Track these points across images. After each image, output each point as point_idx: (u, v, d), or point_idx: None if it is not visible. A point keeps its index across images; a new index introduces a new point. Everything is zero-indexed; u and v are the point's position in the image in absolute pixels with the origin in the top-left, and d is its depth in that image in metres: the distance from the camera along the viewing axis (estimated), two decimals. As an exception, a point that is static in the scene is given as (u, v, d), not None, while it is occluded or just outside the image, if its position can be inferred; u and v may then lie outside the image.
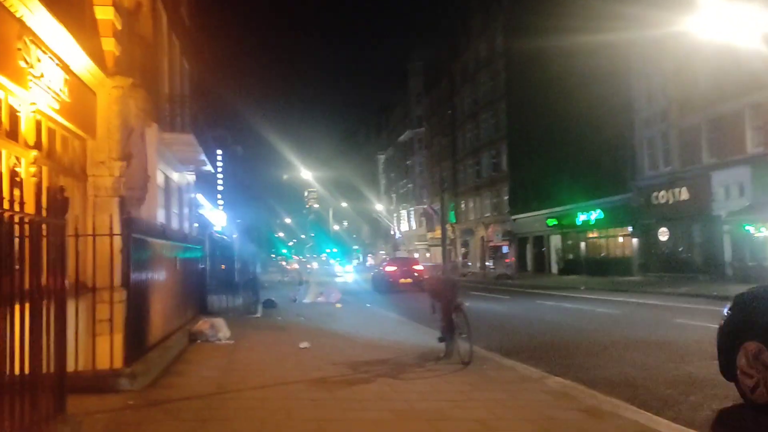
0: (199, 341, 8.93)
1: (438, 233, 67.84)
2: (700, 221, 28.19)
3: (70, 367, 5.83)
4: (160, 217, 13.44)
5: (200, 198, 22.18)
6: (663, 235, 30.56)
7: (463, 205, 60.89)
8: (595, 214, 35.89)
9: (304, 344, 8.82)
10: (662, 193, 30.03)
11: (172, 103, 14.41)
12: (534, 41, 40.84)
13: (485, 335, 9.94)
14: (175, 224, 15.38)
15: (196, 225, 19.29)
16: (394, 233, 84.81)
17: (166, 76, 14.74)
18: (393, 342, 9.76)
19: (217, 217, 26.47)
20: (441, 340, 8.11)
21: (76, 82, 9.40)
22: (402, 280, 27.16)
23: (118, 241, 6.85)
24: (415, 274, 27.56)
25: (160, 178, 13.75)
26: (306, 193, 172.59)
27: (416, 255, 60.00)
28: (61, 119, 8.79)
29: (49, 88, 8.14)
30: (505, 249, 50.66)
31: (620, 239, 35.00)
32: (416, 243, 76.75)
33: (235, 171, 74.51)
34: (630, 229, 33.12)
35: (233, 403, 5.45)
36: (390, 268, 28.96)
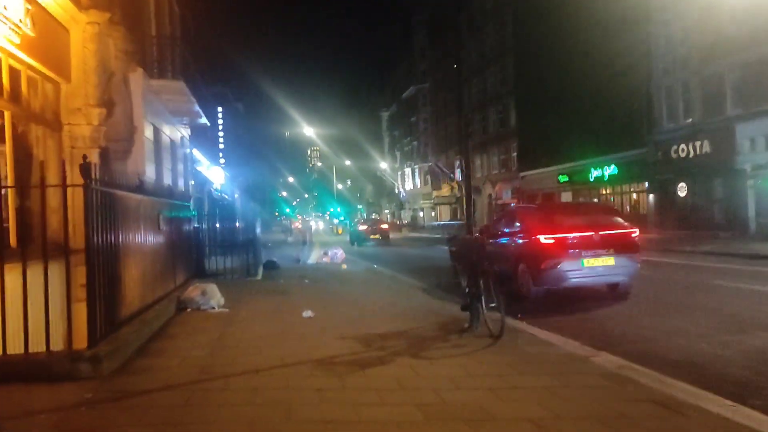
0: (189, 309, 7.89)
1: (445, 191, 66.64)
2: (723, 176, 26.91)
3: (38, 345, 4.79)
4: (150, 172, 12.29)
5: (197, 154, 20.99)
6: (681, 190, 29.31)
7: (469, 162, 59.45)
8: (609, 170, 34.57)
9: (307, 313, 7.78)
10: (681, 146, 28.64)
11: (160, 47, 13.09)
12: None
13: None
14: (167, 180, 14.25)
15: (192, 182, 18.13)
16: (399, 192, 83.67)
17: (153, 17, 13.38)
18: (407, 309, 8.69)
19: (216, 174, 25.32)
20: (464, 308, 7.03)
21: (41, 14, 8.11)
22: (372, 236, 37.75)
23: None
24: (382, 228, 40.11)
25: (148, 131, 12.55)
26: (309, 152, 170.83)
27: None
28: (25, 57, 7.55)
29: (5, 17, 6.89)
30: (513, 206, 49.56)
31: (636, 195, 33.79)
32: (421, 201, 75.62)
33: (237, 128, 72.99)
34: (646, 184, 31.85)
35: (217, 396, 4.37)
36: (362, 226, 40.76)
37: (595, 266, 9.23)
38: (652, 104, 30.57)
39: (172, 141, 15.36)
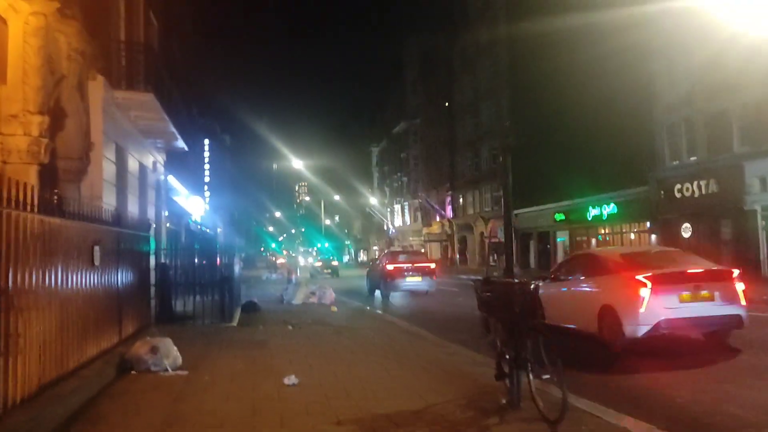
0: (134, 372, 6.08)
1: (435, 228, 65.13)
2: (731, 216, 25.55)
3: None
4: (110, 198, 10.53)
5: (174, 182, 19.24)
6: (686, 231, 27.91)
7: (460, 199, 58.17)
8: (608, 209, 33.23)
9: (290, 379, 5.99)
10: (686, 185, 27.35)
11: (130, 55, 11.46)
12: (540, 21, 38.08)
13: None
14: (133, 209, 12.47)
15: (165, 213, 16.33)
16: (388, 228, 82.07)
17: (123, 21, 11.79)
18: (420, 370, 6.93)
19: (196, 205, 23.56)
20: (499, 377, 5.32)
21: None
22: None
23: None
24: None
25: (109, 150, 10.83)
26: (297, 187, 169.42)
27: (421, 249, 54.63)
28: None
29: None
30: (506, 245, 47.89)
31: (636, 235, 32.37)
32: (411, 238, 73.95)
33: (223, 161, 71.43)
34: (648, 224, 30.48)
35: None
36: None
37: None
38: (654, 141, 29.43)
39: (141, 165, 13.62)
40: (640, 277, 8.45)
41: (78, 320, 5.05)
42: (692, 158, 27.11)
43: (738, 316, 8.61)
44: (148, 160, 14.42)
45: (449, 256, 58.90)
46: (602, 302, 8.87)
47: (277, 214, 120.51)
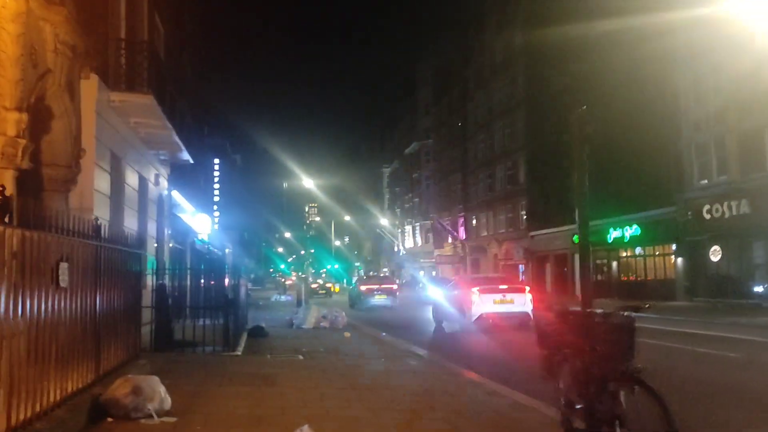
0: (110, 419, 4.93)
1: (447, 250, 63.80)
2: (764, 238, 24.27)
3: None
4: (102, 212, 9.48)
5: (178, 197, 18.23)
6: (715, 254, 26.57)
7: (474, 221, 56.97)
8: (631, 230, 31.91)
9: (304, 431, 4.82)
10: (716, 206, 26.07)
11: (131, 55, 10.48)
12: (557, 37, 37.20)
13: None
14: (130, 224, 11.42)
15: (168, 231, 15.28)
16: (398, 249, 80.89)
17: (123, 20, 10.84)
18: (456, 416, 5.76)
19: (202, 223, 22.56)
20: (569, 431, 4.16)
21: None
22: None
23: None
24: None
25: (104, 158, 9.81)
26: (306, 209, 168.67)
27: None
28: None
29: None
30: (521, 268, 46.48)
31: (661, 259, 31.00)
32: (422, 260, 72.67)
33: (233, 181, 70.79)
34: (674, 247, 29.13)
35: None
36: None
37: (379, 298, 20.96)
38: (682, 160, 28.21)
39: (141, 177, 12.60)
40: (473, 290, 16.62)
41: (34, 356, 3.94)
42: (722, 177, 25.86)
43: (527, 313, 15.74)
44: (150, 173, 13.41)
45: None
46: (462, 301, 16.83)
47: (287, 234, 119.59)
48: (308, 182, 46.54)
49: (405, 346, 12.29)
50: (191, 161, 15.35)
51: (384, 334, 15.41)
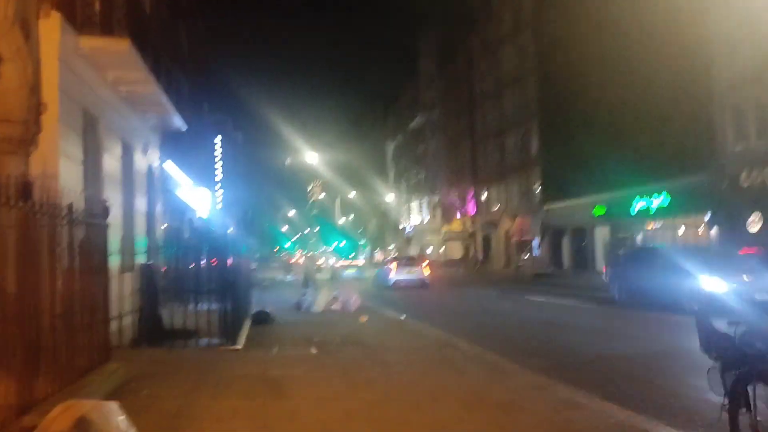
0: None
1: (455, 226, 62.05)
2: (809, 206, 22.50)
3: None
4: (71, 178, 7.75)
5: (173, 171, 16.52)
6: (754, 224, 24.76)
7: (484, 195, 55.12)
8: (658, 200, 30.06)
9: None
10: (754, 172, 24.21)
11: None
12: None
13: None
14: (112, 197, 9.72)
15: (161, 207, 13.60)
16: (404, 226, 79.23)
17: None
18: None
19: (201, 200, 20.88)
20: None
21: None
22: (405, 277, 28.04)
23: None
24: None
25: (73, 117, 8.06)
26: (310, 186, 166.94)
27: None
28: None
29: None
30: (535, 243, 44.62)
31: (692, 229, 29.21)
32: (429, 237, 71.08)
33: (236, 158, 69.01)
34: (707, 217, 27.29)
35: None
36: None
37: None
38: (715, 123, 26.26)
39: (125, 144, 10.85)
40: (391, 265, 29.75)
41: None
42: (762, 141, 23.95)
43: (423, 279, 27.37)
44: (136, 140, 11.66)
45: (471, 255, 55.83)
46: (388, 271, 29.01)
47: (291, 212, 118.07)
48: (311, 156, 44.81)
49: (438, 335, 10.65)
50: (185, 128, 13.57)
51: (404, 316, 13.78)
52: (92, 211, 5.57)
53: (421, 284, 26.82)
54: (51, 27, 7.44)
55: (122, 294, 8.88)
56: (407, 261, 31.50)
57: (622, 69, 30.57)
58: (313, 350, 8.53)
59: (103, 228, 5.85)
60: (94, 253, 5.61)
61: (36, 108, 7.25)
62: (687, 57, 26.52)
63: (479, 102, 54.90)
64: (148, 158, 12.67)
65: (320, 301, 15.93)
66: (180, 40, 26.44)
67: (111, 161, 9.86)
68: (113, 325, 8.00)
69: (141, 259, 10.67)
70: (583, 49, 34.39)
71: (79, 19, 8.23)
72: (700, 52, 26.21)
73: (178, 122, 13.18)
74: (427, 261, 33.54)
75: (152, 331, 9.13)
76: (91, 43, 8.12)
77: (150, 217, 12.65)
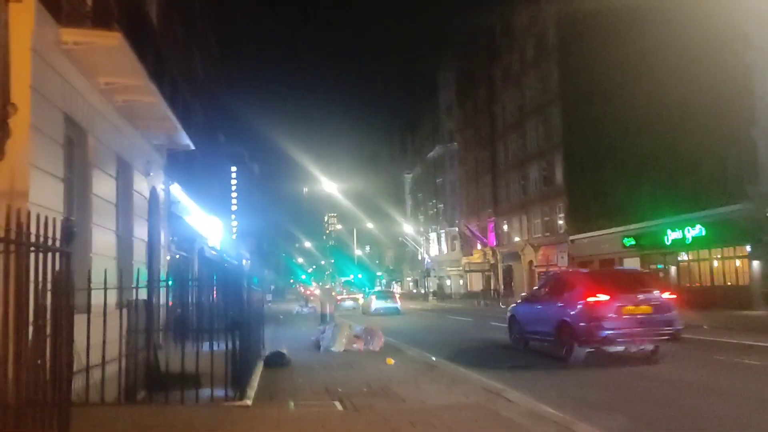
0: None
1: (476, 257, 60.32)
2: None
3: None
4: (49, 197, 6.45)
5: (181, 197, 15.26)
6: (802, 256, 23.01)
7: (505, 226, 53.57)
8: (693, 231, 28.37)
9: None
10: (802, 200, 22.58)
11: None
12: (597, 22, 34.09)
13: None
14: (104, 223, 8.42)
15: (162, 233, 12.30)
16: (423, 258, 77.62)
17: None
18: None
19: (214, 230, 19.63)
20: None
21: None
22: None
23: None
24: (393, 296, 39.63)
25: (51, 121, 6.79)
26: (326, 218, 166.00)
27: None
28: None
29: None
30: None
31: (731, 262, 27.42)
32: (448, 268, 69.39)
33: (251, 190, 68.28)
34: (748, 248, 25.56)
35: None
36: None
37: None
38: (756, 149, 24.70)
39: (122, 161, 9.59)
40: (372, 296, 38.27)
41: None
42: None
43: (397, 308, 34.83)
44: (136, 158, 10.41)
45: (493, 287, 54.01)
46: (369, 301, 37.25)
47: (307, 244, 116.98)
48: (329, 186, 44.20)
49: (476, 379, 9.13)
50: (191, 147, 12.33)
51: (435, 359, 12.22)
52: (46, 235, 4.22)
53: (395, 311, 34.21)
54: (22, 13, 6.22)
55: (114, 335, 7.52)
56: (384, 294, 40.13)
57: (652, 92, 29.24)
58: (338, 405, 7.04)
59: (65, 256, 4.49)
60: (50, 287, 4.26)
61: (3, 108, 5.98)
62: (726, 77, 25.14)
63: (501, 131, 53.80)
64: (151, 180, 11.42)
65: (341, 339, 14.43)
66: (195, 66, 25.66)
67: (103, 180, 8.58)
68: (96, 375, 6.60)
69: (140, 293, 9.30)
70: (609, 74, 33.16)
71: (64, 10, 7.02)
72: (740, 71, 24.82)
73: (186, 141, 11.95)
74: (399, 294, 46.79)
75: (148, 377, 7.73)
76: (74, 36, 6.89)
77: (152, 245, 11.33)
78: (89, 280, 6.21)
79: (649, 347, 10.99)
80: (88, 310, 6.21)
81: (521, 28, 49.17)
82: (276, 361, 10.76)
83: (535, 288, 17.12)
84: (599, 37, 34.30)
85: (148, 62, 8.64)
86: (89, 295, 6.31)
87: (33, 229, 4.51)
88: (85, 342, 6.06)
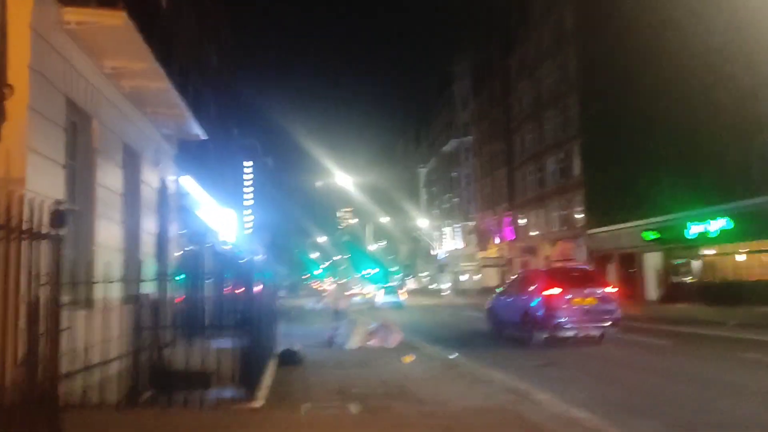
0: None
1: (491, 252, 59.65)
2: None
3: None
4: (50, 187, 6.06)
5: (194, 190, 14.90)
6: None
7: (522, 220, 52.84)
8: (718, 224, 27.55)
9: None
10: (834, 190, 21.77)
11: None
12: (616, 9, 33.29)
13: None
14: (108, 213, 8.04)
15: (171, 226, 11.93)
16: (437, 253, 77.03)
17: None
18: None
19: (227, 224, 19.25)
20: None
21: None
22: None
23: None
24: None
25: (51, 105, 6.39)
26: (340, 213, 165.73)
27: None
28: None
29: None
30: (577, 269, 41.98)
31: (757, 256, 26.62)
32: (463, 264, 68.75)
33: (265, 184, 68.15)
34: (776, 242, 24.79)
35: None
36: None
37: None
38: (785, 139, 23.89)
39: (128, 148, 9.21)
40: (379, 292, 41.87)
41: None
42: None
43: (400, 302, 38.21)
44: (145, 147, 10.03)
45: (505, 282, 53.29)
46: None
47: (320, 239, 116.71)
48: (344, 179, 44.06)
49: (499, 379, 8.67)
50: (202, 137, 11.94)
51: (455, 355, 11.75)
52: (32, 220, 3.82)
53: (399, 305, 36.42)
54: (22, -10, 5.82)
55: (118, 332, 7.16)
56: (391, 289, 42.71)
57: (674, 80, 28.45)
58: (352, 408, 6.60)
59: (54, 242, 4.09)
60: (38, 275, 3.87)
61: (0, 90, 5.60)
62: (750, 64, 24.32)
63: (516, 123, 53.02)
64: (161, 170, 11.04)
65: (355, 336, 14.03)
66: (207, 55, 25.32)
67: (109, 168, 8.20)
68: (96, 374, 6.23)
69: (147, 288, 8.93)
70: (629, 63, 32.35)
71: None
72: (765, 58, 23.97)
73: (196, 130, 11.55)
74: (407, 290, 49.81)
75: (154, 376, 7.35)
76: (77, 15, 6.49)
77: (161, 238, 10.96)
78: (89, 273, 5.82)
79: (596, 333, 13.10)
80: (88, 305, 5.82)
81: (538, 16, 48.32)
82: (289, 359, 10.38)
83: (506, 284, 19.77)
84: (618, 25, 33.49)
85: (156, 46, 8.22)
86: (90, 288, 5.93)
87: (27, 216, 4.14)
88: (86, 340, 5.68)
